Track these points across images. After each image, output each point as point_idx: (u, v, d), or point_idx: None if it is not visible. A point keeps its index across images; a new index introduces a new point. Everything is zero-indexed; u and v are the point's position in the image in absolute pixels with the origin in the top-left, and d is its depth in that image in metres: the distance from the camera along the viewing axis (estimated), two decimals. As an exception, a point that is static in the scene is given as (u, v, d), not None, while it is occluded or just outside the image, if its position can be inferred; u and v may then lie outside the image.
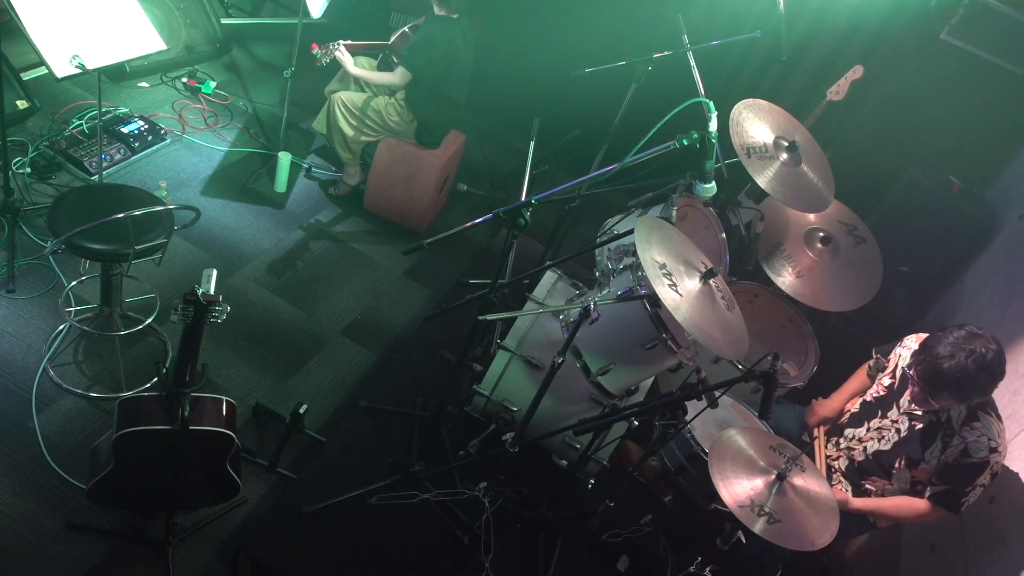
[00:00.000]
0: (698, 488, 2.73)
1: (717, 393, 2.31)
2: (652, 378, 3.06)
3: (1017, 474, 2.65)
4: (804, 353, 3.42)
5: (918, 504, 2.54)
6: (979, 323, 2.43)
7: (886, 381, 2.72)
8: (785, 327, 3.50)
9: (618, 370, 2.70)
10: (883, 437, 2.64)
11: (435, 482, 2.83)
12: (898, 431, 2.59)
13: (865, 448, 2.68)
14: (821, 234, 3.44)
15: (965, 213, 3.92)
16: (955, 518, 2.51)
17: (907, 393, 2.59)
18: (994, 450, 2.38)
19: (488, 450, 2.80)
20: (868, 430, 2.70)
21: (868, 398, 2.77)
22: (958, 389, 2.33)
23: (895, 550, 3.11)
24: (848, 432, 2.77)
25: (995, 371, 2.32)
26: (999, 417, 2.46)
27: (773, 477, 2.30)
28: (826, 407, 2.93)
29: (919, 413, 2.54)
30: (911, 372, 2.48)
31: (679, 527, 2.95)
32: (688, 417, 2.39)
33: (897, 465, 2.59)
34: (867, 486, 2.71)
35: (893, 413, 2.63)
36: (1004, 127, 4.04)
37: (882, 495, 2.66)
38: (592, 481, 2.94)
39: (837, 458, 2.79)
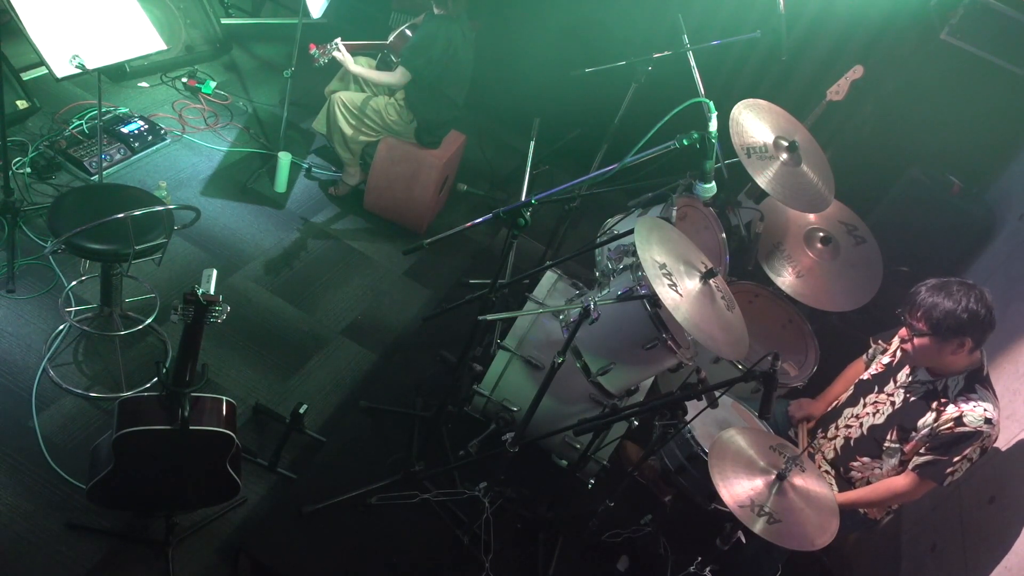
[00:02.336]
0: (698, 488, 2.73)
1: (717, 393, 2.31)
2: (652, 378, 3.06)
3: (1017, 474, 2.65)
4: (804, 353, 3.42)
5: (897, 483, 2.53)
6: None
7: (885, 360, 2.73)
8: (785, 327, 3.50)
9: (618, 370, 2.70)
10: (878, 411, 2.65)
11: (435, 482, 2.83)
12: (893, 404, 2.60)
13: (862, 424, 2.69)
14: (821, 234, 3.44)
15: (965, 213, 3.92)
16: (955, 518, 2.50)
17: (905, 368, 2.61)
18: (988, 421, 2.37)
19: (488, 450, 2.80)
20: (864, 406, 2.71)
21: (866, 376, 2.78)
22: (931, 312, 2.38)
23: (895, 550, 3.11)
24: (846, 411, 2.78)
25: (972, 310, 2.35)
26: (996, 396, 2.46)
27: (773, 477, 2.30)
28: (812, 404, 2.96)
29: (917, 384, 2.55)
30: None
31: (679, 527, 2.95)
32: (688, 417, 2.39)
33: (889, 437, 2.58)
34: (853, 472, 2.71)
35: (889, 387, 2.65)
36: (1004, 127, 4.04)
37: (868, 482, 2.67)
38: (592, 481, 2.94)
39: (834, 438, 2.79)
